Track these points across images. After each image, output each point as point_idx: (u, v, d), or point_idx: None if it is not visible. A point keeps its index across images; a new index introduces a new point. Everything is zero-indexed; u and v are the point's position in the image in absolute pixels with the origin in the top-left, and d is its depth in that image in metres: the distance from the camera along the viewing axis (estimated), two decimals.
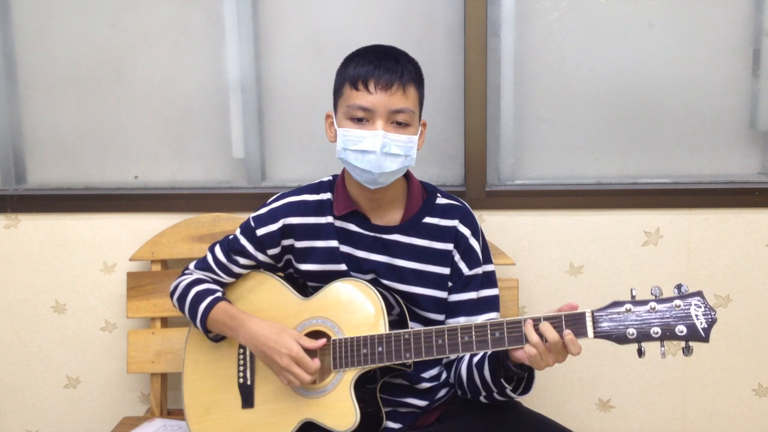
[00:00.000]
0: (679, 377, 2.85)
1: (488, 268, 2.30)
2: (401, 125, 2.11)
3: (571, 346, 1.87)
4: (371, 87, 2.08)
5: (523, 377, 2.05)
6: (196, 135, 2.92)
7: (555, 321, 1.89)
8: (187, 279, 2.34)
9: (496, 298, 2.29)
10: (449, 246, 2.25)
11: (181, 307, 2.32)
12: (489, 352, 2.08)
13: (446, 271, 2.24)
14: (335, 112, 2.20)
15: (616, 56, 2.78)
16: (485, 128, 2.76)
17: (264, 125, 2.90)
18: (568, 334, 1.87)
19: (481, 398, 2.17)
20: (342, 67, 2.18)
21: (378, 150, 2.08)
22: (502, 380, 2.05)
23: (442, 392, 2.32)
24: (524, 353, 1.91)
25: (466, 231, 2.27)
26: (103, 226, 2.89)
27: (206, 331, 2.28)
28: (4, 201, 2.89)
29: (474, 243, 2.27)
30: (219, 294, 2.28)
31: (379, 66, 2.10)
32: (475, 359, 2.16)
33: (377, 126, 2.09)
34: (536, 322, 1.90)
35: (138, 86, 2.89)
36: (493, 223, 2.79)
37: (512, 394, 2.08)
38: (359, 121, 2.11)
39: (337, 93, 2.18)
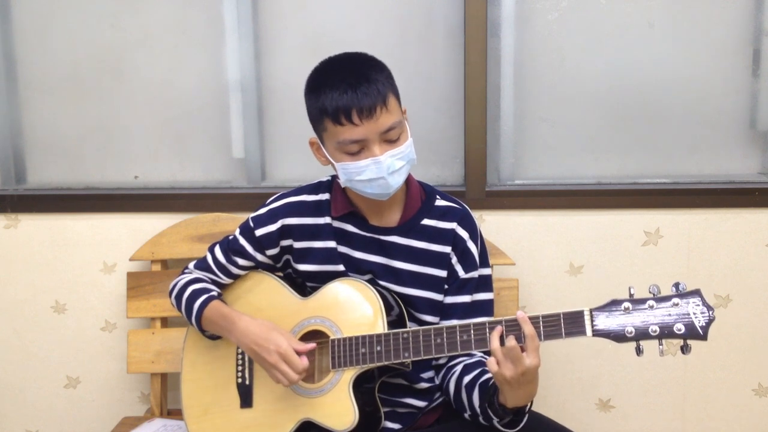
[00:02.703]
0: (679, 377, 2.85)
1: (485, 271, 2.28)
2: (395, 139, 2.08)
3: (528, 350, 1.88)
4: (355, 119, 2.01)
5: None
6: (196, 135, 2.92)
7: (553, 320, 1.89)
8: (185, 278, 2.34)
9: (490, 302, 2.28)
10: (447, 248, 2.24)
11: (178, 306, 2.32)
12: (480, 380, 2.08)
13: (443, 273, 2.23)
14: (321, 141, 2.15)
15: (616, 56, 2.78)
16: (485, 128, 2.76)
17: (264, 125, 2.91)
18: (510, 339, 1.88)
19: (465, 415, 2.16)
20: (312, 94, 2.10)
21: (385, 174, 2.05)
22: (489, 412, 2.03)
23: (441, 392, 2.32)
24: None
25: (464, 234, 2.25)
26: (103, 226, 2.89)
27: (202, 329, 2.28)
28: (4, 201, 2.90)
29: (472, 246, 2.26)
30: (214, 293, 2.27)
31: (356, 92, 2.01)
32: (465, 380, 2.14)
33: (374, 151, 2.04)
34: (534, 320, 1.90)
35: (138, 86, 2.89)
36: (493, 223, 2.79)
37: (499, 426, 2.04)
38: (355, 153, 2.07)
39: (317, 124, 2.12)
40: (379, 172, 2.05)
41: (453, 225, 2.25)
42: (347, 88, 2.02)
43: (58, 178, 2.97)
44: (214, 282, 2.33)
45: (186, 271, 2.38)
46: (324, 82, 2.08)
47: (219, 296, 2.28)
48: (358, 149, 2.05)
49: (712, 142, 2.83)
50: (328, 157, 2.14)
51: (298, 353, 2.08)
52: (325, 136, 2.11)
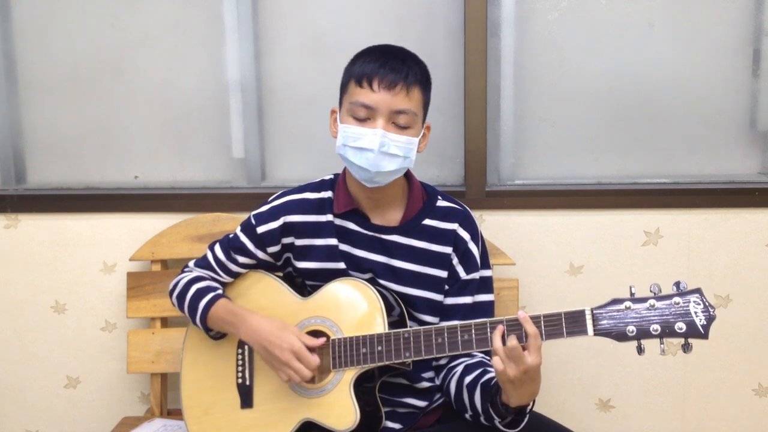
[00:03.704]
0: (679, 377, 2.85)
1: (486, 273, 2.29)
2: (402, 126, 2.11)
3: (531, 350, 1.89)
4: (375, 85, 2.08)
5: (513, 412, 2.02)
6: (196, 135, 2.92)
7: (554, 320, 1.89)
8: (186, 276, 2.34)
9: (491, 303, 2.29)
10: (448, 249, 2.24)
11: (180, 305, 2.32)
12: (482, 380, 2.09)
13: (444, 274, 2.24)
14: (339, 107, 2.20)
15: (616, 56, 2.79)
16: (485, 128, 2.76)
17: (264, 125, 2.91)
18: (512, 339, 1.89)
19: (467, 416, 2.16)
20: (350, 63, 2.19)
21: (376, 148, 2.08)
22: (491, 411, 2.03)
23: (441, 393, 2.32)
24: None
25: (465, 235, 2.26)
26: (103, 226, 2.89)
27: (207, 328, 2.27)
28: (4, 201, 2.90)
29: (473, 247, 2.26)
30: (219, 291, 2.28)
31: (385, 65, 2.10)
32: (467, 380, 2.15)
33: (378, 125, 2.09)
34: (536, 319, 1.90)
35: (138, 86, 2.89)
36: (493, 223, 2.79)
37: (500, 427, 2.04)
38: (361, 119, 2.11)
39: (343, 89, 2.18)
40: (372, 143, 2.08)
41: (454, 226, 2.26)
42: (380, 57, 2.12)
43: (58, 178, 2.97)
44: (214, 280, 2.33)
45: (186, 269, 2.38)
46: (364, 53, 2.18)
47: (224, 293, 2.29)
48: (365, 117, 2.11)
49: (712, 142, 2.83)
50: (338, 121, 2.18)
51: (310, 348, 2.09)
52: (344, 99, 2.16)
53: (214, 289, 2.28)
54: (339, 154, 2.16)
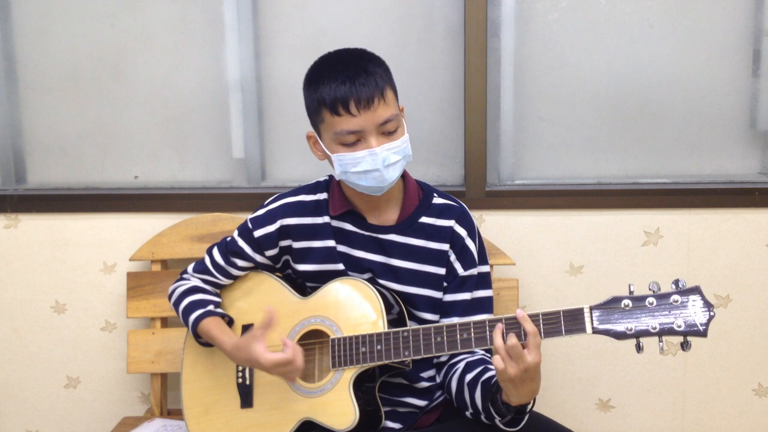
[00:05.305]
0: (679, 377, 2.85)
1: (483, 269, 2.29)
2: (392, 132, 2.09)
3: (531, 348, 1.88)
4: (353, 109, 2.03)
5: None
6: (196, 135, 2.92)
7: (553, 318, 1.89)
8: (182, 286, 2.33)
9: (489, 299, 2.29)
10: (445, 246, 2.24)
11: (177, 313, 2.32)
12: (483, 378, 2.08)
13: (442, 271, 2.24)
14: (318, 134, 2.16)
15: (616, 56, 2.79)
16: (485, 128, 2.76)
17: (264, 125, 2.91)
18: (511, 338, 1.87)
19: (467, 413, 2.16)
20: (311, 86, 2.12)
21: (380, 166, 2.06)
22: (492, 410, 2.02)
23: (441, 392, 2.32)
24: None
25: (462, 231, 2.26)
26: (103, 226, 2.89)
27: (198, 339, 2.29)
28: (4, 201, 2.90)
29: (470, 243, 2.26)
30: (210, 306, 2.27)
31: (354, 83, 2.03)
32: (468, 377, 2.14)
33: (371, 143, 2.06)
34: (534, 317, 1.90)
35: (138, 86, 2.89)
36: (493, 223, 2.79)
37: (500, 425, 2.03)
38: (351, 144, 2.08)
39: (315, 116, 2.13)
40: (375, 163, 2.07)
41: (451, 223, 2.25)
42: (346, 79, 2.04)
43: (58, 178, 2.97)
44: (213, 284, 2.33)
45: (184, 276, 2.37)
46: (323, 74, 2.10)
47: (216, 307, 2.29)
48: (355, 140, 2.07)
49: (712, 142, 2.83)
50: (325, 150, 2.15)
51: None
52: (323, 128, 2.12)
53: (204, 304, 2.27)
54: (342, 179, 2.15)
